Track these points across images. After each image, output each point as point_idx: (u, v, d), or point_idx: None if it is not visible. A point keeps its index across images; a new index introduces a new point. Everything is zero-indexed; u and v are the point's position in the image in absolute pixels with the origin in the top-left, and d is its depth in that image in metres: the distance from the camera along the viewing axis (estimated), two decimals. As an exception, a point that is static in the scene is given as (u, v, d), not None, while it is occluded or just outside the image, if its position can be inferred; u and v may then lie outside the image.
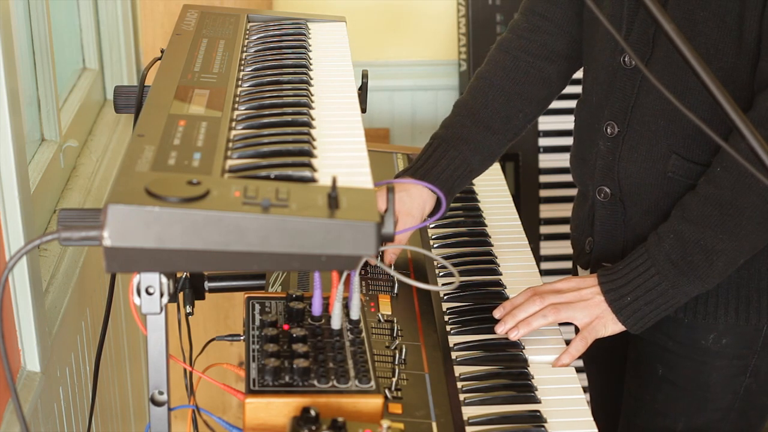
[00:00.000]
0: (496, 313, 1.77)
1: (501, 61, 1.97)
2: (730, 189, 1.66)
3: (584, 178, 1.93)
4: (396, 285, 1.82)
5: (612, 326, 1.74)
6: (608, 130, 1.83)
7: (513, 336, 1.73)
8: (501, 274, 1.94)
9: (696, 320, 1.82)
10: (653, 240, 1.72)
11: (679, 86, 1.73)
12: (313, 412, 1.23)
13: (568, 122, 3.00)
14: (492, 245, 2.05)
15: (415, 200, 1.87)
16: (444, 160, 1.92)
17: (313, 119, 1.44)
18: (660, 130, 1.77)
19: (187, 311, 1.54)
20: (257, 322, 1.46)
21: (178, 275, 1.50)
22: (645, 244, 1.74)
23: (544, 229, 3.20)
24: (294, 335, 1.40)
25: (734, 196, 1.66)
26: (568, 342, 1.76)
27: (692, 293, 1.72)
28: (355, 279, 1.44)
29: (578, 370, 1.76)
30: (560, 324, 1.79)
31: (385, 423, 1.25)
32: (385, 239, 1.19)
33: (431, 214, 1.90)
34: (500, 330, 1.74)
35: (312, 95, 1.53)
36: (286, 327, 1.44)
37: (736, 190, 1.66)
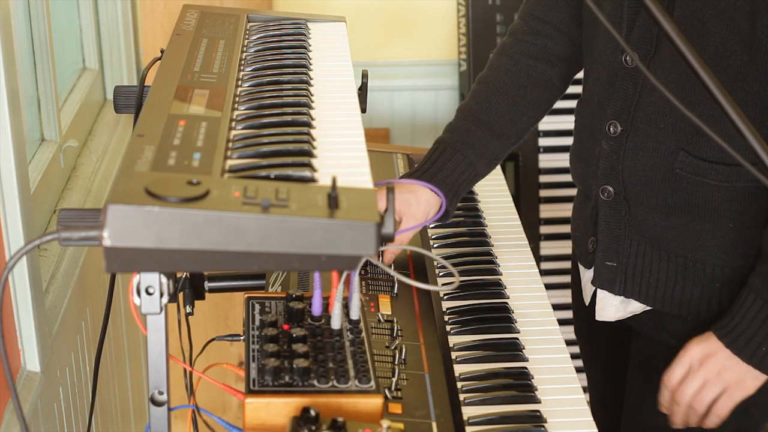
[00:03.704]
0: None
1: (503, 66, 1.98)
2: None
3: (586, 178, 1.92)
4: (396, 285, 1.81)
5: (755, 383, 1.74)
6: (611, 129, 1.82)
7: None
8: (501, 274, 1.94)
9: (699, 319, 1.82)
10: (761, 284, 1.69)
11: (686, 83, 1.72)
12: (313, 412, 1.23)
13: (568, 122, 3.00)
14: (492, 245, 2.04)
15: (421, 204, 1.89)
16: (450, 164, 1.93)
17: (313, 119, 1.44)
18: (668, 127, 1.76)
19: (187, 311, 1.54)
20: (257, 322, 1.46)
21: (178, 275, 1.50)
22: (751, 290, 1.70)
23: (544, 229, 3.20)
24: (294, 335, 1.40)
25: None
26: (568, 342, 1.76)
27: None
28: (355, 279, 1.44)
29: (578, 370, 1.76)
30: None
31: (385, 423, 1.25)
32: (385, 239, 1.19)
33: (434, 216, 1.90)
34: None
35: (312, 95, 1.53)
36: (286, 327, 1.44)
37: None
